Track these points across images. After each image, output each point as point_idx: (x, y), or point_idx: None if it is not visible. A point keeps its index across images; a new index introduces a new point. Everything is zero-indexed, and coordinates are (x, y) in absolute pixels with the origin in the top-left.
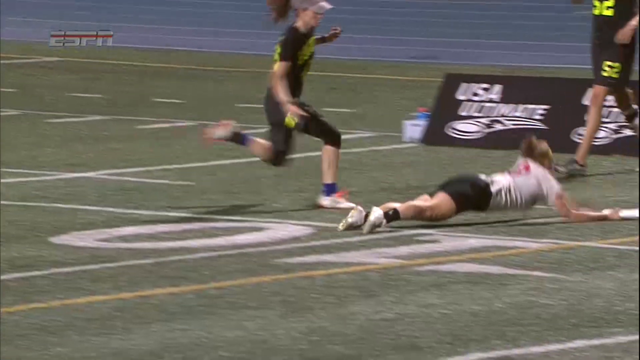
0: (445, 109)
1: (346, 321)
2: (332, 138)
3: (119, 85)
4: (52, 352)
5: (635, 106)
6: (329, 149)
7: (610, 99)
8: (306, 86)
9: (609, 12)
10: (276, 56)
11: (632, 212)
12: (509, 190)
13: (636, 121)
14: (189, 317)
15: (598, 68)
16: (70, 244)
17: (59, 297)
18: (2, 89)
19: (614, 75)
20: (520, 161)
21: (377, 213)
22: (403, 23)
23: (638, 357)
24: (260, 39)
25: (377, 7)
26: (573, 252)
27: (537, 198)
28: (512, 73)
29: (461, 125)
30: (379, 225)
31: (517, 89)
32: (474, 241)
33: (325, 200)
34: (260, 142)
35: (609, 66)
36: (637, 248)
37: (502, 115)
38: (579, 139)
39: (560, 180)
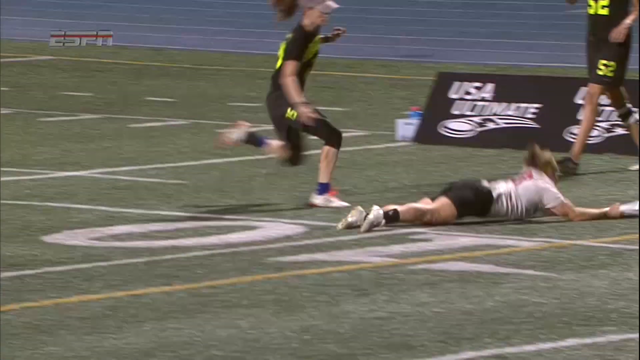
0: (437, 108)
1: (339, 320)
2: (332, 138)
3: (111, 84)
4: (45, 351)
5: (629, 105)
6: (328, 149)
7: (603, 98)
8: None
9: (604, 11)
10: (281, 53)
11: (632, 206)
12: (510, 197)
13: (631, 120)
14: (182, 315)
15: (593, 67)
16: (62, 243)
17: (51, 296)
18: None
19: (609, 74)
20: (524, 170)
21: (376, 212)
22: (395, 22)
23: (638, 356)
24: (253, 38)
25: (370, 6)
26: (566, 251)
27: (537, 207)
28: (505, 72)
29: (454, 124)
30: (377, 225)
31: (509, 88)
32: (466, 240)
33: (318, 199)
34: (276, 143)
35: (604, 65)
36: (631, 247)
37: (495, 114)
38: (572, 137)
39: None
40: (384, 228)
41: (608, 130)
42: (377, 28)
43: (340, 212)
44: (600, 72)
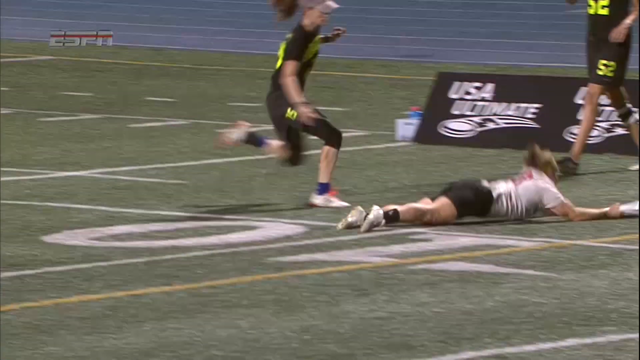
0: (437, 108)
1: (339, 320)
2: (333, 138)
3: (111, 84)
4: (45, 351)
5: (629, 105)
6: (328, 149)
7: (602, 98)
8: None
9: (604, 11)
10: (281, 53)
11: (632, 206)
12: (510, 198)
13: (631, 120)
14: (182, 315)
15: (593, 67)
16: (62, 243)
17: (51, 296)
18: None
19: (609, 74)
20: (524, 170)
21: (376, 212)
22: (396, 22)
23: (639, 355)
24: (253, 38)
25: (370, 6)
26: (566, 251)
27: (537, 207)
28: (505, 72)
29: (454, 124)
30: (377, 225)
31: (509, 88)
32: (466, 240)
33: (318, 199)
34: (276, 143)
35: (604, 65)
36: (631, 247)
37: (495, 114)
38: (572, 137)
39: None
40: (384, 228)
41: (608, 130)
42: (377, 28)
43: (340, 212)
44: (600, 72)
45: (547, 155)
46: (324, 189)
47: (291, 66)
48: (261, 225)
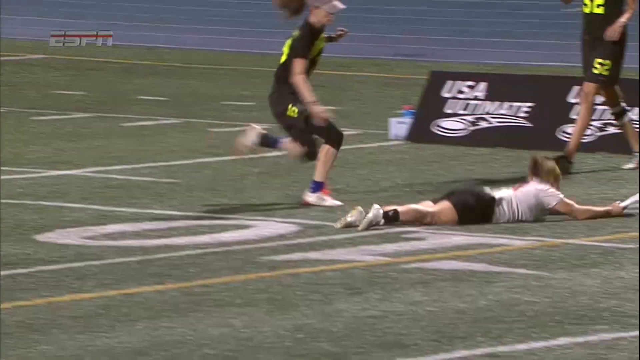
0: (430, 107)
1: (332, 318)
2: (333, 138)
3: (103, 82)
4: (37, 350)
5: (623, 104)
6: (328, 148)
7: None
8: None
9: (600, 10)
10: (286, 49)
11: (630, 200)
12: (510, 204)
13: (625, 119)
14: (175, 314)
15: (589, 65)
16: (55, 242)
17: (43, 295)
18: None
19: (605, 73)
20: (527, 180)
21: (376, 211)
22: (388, 20)
23: (638, 354)
24: (245, 37)
25: (363, 5)
26: (557, 250)
27: (538, 210)
28: (498, 70)
29: (446, 123)
30: (376, 224)
31: (502, 87)
32: (459, 239)
33: (311, 197)
34: (290, 141)
35: (600, 63)
36: (623, 245)
37: (488, 113)
38: (565, 136)
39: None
40: (380, 227)
41: (600, 129)
42: (370, 27)
43: (334, 211)
44: (595, 71)
45: (550, 164)
46: (317, 187)
47: (300, 64)
48: (254, 224)
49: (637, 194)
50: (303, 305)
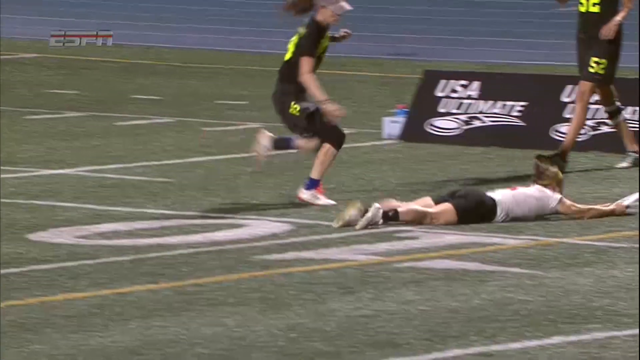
0: (424, 106)
1: (325, 318)
2: (335, 138)
3: (97, 81)
4: (30, 349)
5: (618, 103)
6: (328, 147)
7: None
8: None
9: (596, 9)
10: (291, 46)
11: (631, 198)
12: (510, 205)
13: (619, 118)
14: (168, 314)
15: (584, 64)
16: (48, 241)
17: (36, 295)
18: None
19: (601, 72)
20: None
21: (375, 210)
22: (382, 20)
23: (638, 352)
24: (242, 37)
25: (356, 4)
26: (551, 249)
27: (537, 213)
28: (491, 70)
29: (440, 122)
30: (375, 223)
31: (495, 86)
32: (452, 237)
33: (305, 194)
34: (305, 140)
35: (596, 62)
36: (616, 244)
37: (481, 112)
38: (558, 135)
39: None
40: (377, 227)
41: (594, 128)
42: (364, 26)
43: (327, 210)
44: (591, 70)
45: (553, 169)
46: (312, 184)
47: (308, 63)
48: (247, 223)
49: (637, 193)
50: (296, 304)
